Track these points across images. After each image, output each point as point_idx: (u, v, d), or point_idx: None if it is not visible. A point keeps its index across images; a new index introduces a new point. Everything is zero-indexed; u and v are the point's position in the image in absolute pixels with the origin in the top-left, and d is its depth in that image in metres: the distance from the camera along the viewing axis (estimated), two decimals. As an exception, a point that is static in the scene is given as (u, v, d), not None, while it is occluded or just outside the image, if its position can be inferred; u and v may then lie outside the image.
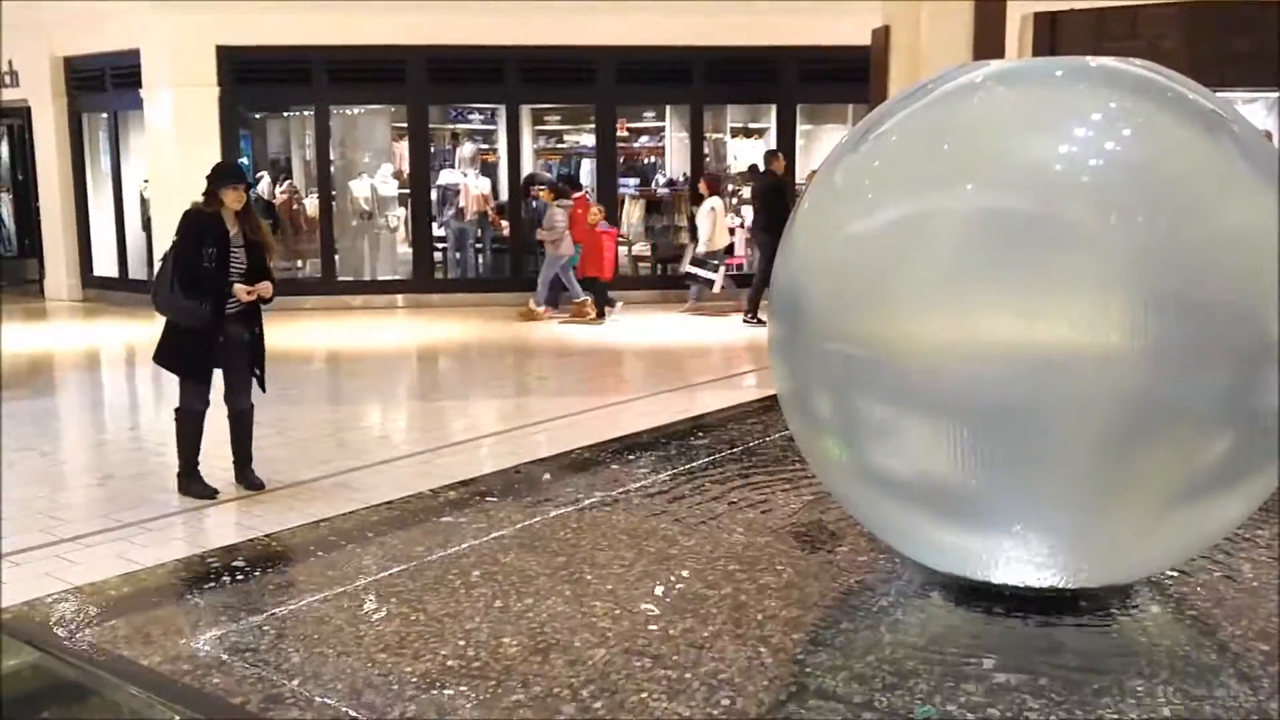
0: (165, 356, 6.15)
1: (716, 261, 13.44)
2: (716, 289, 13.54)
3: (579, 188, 13.77)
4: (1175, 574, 2.23)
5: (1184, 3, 12.55)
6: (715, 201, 13.51)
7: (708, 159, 15.66)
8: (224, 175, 6.05)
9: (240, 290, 5.94)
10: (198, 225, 5.99)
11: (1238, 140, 1.98)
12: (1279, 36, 12.59)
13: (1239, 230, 1.88)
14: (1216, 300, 1.82)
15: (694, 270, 13.61)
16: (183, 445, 6.20)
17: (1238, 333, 1.85)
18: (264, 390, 6.26)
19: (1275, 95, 13.71)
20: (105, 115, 15.28)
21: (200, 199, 6.08)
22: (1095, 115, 1.93)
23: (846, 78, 12.98)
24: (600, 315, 12.96)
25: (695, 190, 14.25)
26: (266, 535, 2.65)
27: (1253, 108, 13.49)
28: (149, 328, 12.32)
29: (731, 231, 13.99)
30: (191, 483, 6.21)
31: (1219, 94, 2.12)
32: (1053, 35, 13.25)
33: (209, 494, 6.16)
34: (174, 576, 2.44)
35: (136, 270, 14.90)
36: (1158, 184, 1.85)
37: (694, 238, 13.86)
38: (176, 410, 6.17)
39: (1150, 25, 12.65)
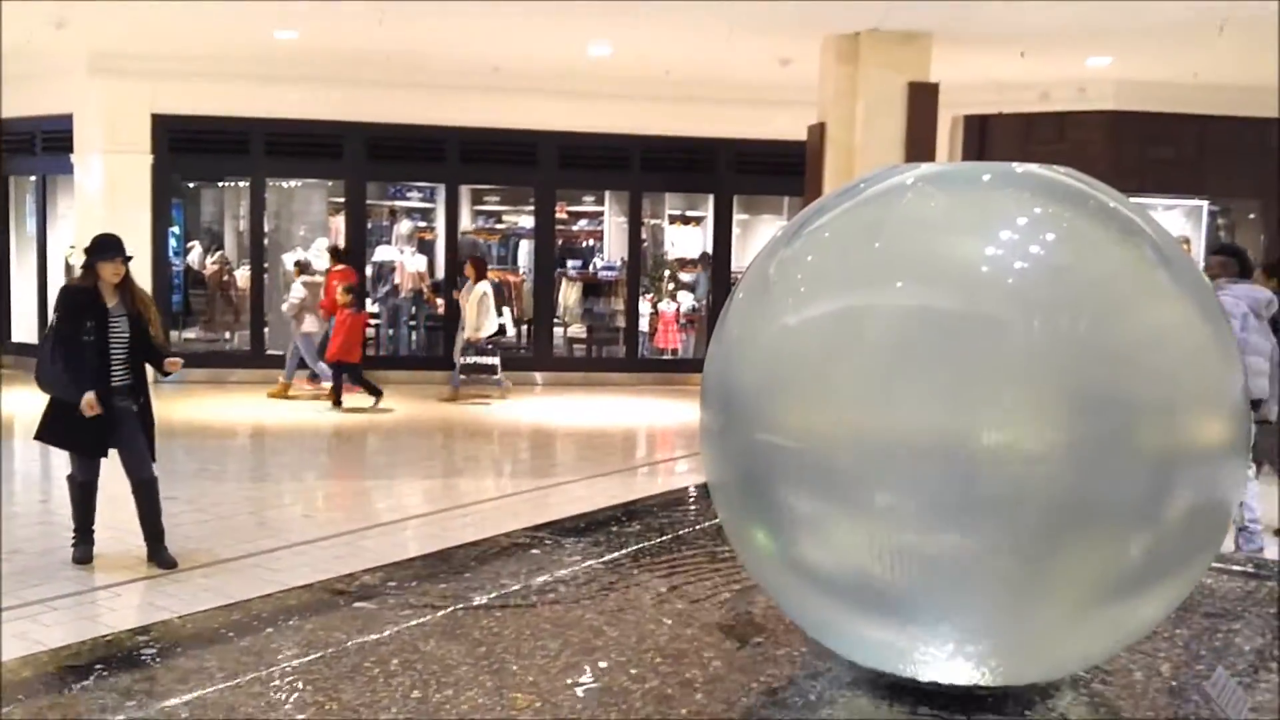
0: (49, 433, 6.07)
1: (493, 347, 12.96)
2: (499, 375, 12.96)
3: (343, 260, 13.18)
4: (1096, 672, 2.24)
5: (1108, 111, 13.10)
6: (485, 286, 12.94)
7: (645, 244, 15.84)
8: (102, 248, 6.01)
9: (88, 410, 5.84)
10: (75, 302, 5.98)
11: (1155, 247, 2.04)
12: (1197, 147, 13.18)
13: (1157, 333, 1.94)
14: (1137, 400, 1.87)
15: (472, 359, 12.92)
16: (74, 511, 6.18)
17: (1157, 433, 1.89)
18: (153, 460, 6.20)
19: (1192, 203, 14.27)
20: (34, 179, 15.05)
21: (79, 273, 6.10)
22: (1021, 219, 1.99)
23: (783, 170, 13.30)
24: (376, 396, 12.10)
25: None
26: (178, 616, 2.56)
27: (1171, 214, 14.02)
28: (68, 396, 12.02)
29: (500, 312, 13.37)
30: (78, 545, 6.16)
31: (1139, 200, 2.20)
32: (982, 137, 13.74)
33: (82, 559, 6.11)
34: (78, 659, 2.34)
35: (58, 337, 14.57)
36: (1079, 287, 1.90)
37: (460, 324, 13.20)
38: (68, 477, 6.17)
39: (1076, 130, 13.18)
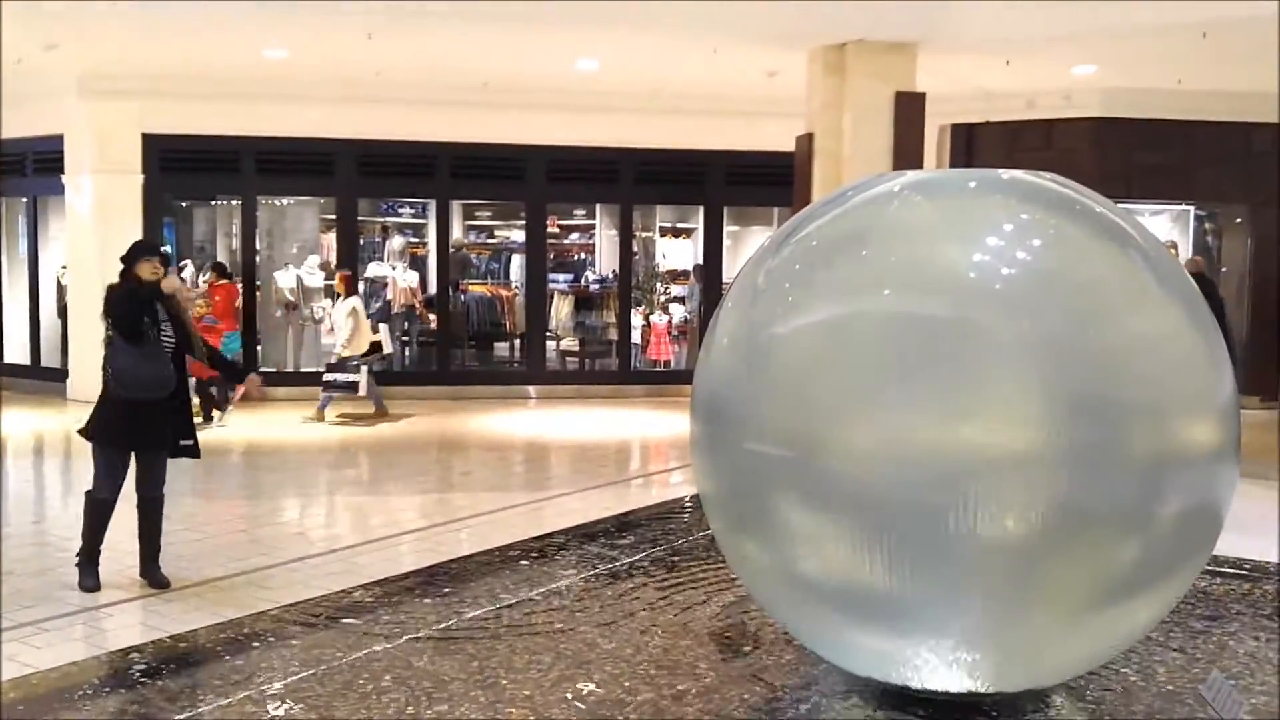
0: (90, 428, 6.02)
1: (356, 363, 12.33)
2: (361, 392, 12.42)
3: (227, 275, 12.78)
4: (1091, 677, 2.23)
5: (1094, 118, 13.15)
6: (355, 302, 12.44)
7: (636, 256, 15.86)
8: (140, 250, 6.05)
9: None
10: (136, 296, 5.93)
11: (1142, 251, 2.05)
12: (1183, 152, 13.24)
13: (1145, 337, 1.94)
14: (1126, 405, 1.87)
15: (334, 377, 12.35)
16: (86, 530, 6.06)
17: (1147, 437, 1.89)
18: (197, 456, 6.22)
19: (1180, 208, 14.32)
20: (25, 200, 15.04)
21: (116, 281, 6.06)
22: (1008, 226, 1.99)
23: (772, 181, 13.32)
24: (214, 414, 11.82)
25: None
26: (170, 636, 2.55)
27: (1158, 219, 14.07)
28: (59, 417, 11.99)
29: (375, 330, 12.75)
30: (84, 572, 6.06)
31: (1126, 205, 2.21)
32: (969, 145, 13.78)
33: (92, 587, 6.00)
34: (69, 680, 2.33)
35: (49, 358, 14.53)
36: (1067, 292, 1.91)
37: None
38: (87, 493, 6.08)
39: (1062, 138, 13.22)
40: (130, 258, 6.00)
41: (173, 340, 6.00)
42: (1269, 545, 6.22)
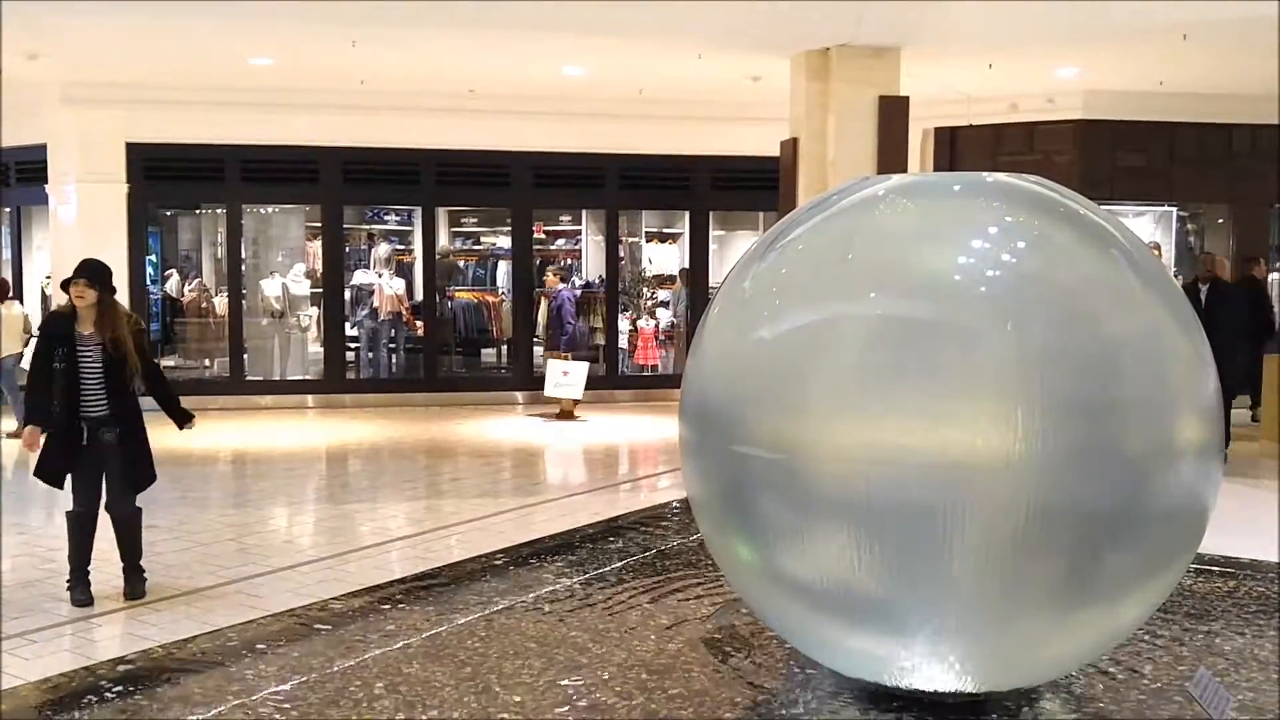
0: (38, 465, 6.03)
1: None
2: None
3: (4, 290, 12.28)
4: (1079, 675, 2.25)
5: (1076, 121, 13.22)
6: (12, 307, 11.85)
7: (623, 261, 15.89)
8: (76, 272, 5.99)
9: (29, 439, 5.88)
10: (46, 329, 5.99)
11: (1126, 252, 2.06)
12: (1166, 153, 13.34)
13: (1129, 338, 1.95)
14: (1110, 405, 1.88)
15: None
16: (71, 547, 6.04)
17: (1132, 437, 1.90)
18: (141, 488, 6.11)
19: (1162, 209, 14.42)
20: (9, 210, 15.00)
21: (61, 306, 6.10)
22: (992, 228, 2.00)
23: (757, 186, 13.36)
24: None
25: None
26: (159, 646, 2.55)
27: (1141, 220, 14.16)
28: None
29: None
30: (75, 588, 6.02)
31: (1109, 207, 2.22)
32: (953, 149, 13.84)
33: (84, 602, 5.95)
34: (57, 691, 2.32)
35: (34, 368, 14.47)
36: (1051, 294, 1.92)
37: None
38: (66, 512, 6.06)
39: (1045, 141, 13.29)
40: (66, 282, 5.99)
41: (98, 365, 5.91)
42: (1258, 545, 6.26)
